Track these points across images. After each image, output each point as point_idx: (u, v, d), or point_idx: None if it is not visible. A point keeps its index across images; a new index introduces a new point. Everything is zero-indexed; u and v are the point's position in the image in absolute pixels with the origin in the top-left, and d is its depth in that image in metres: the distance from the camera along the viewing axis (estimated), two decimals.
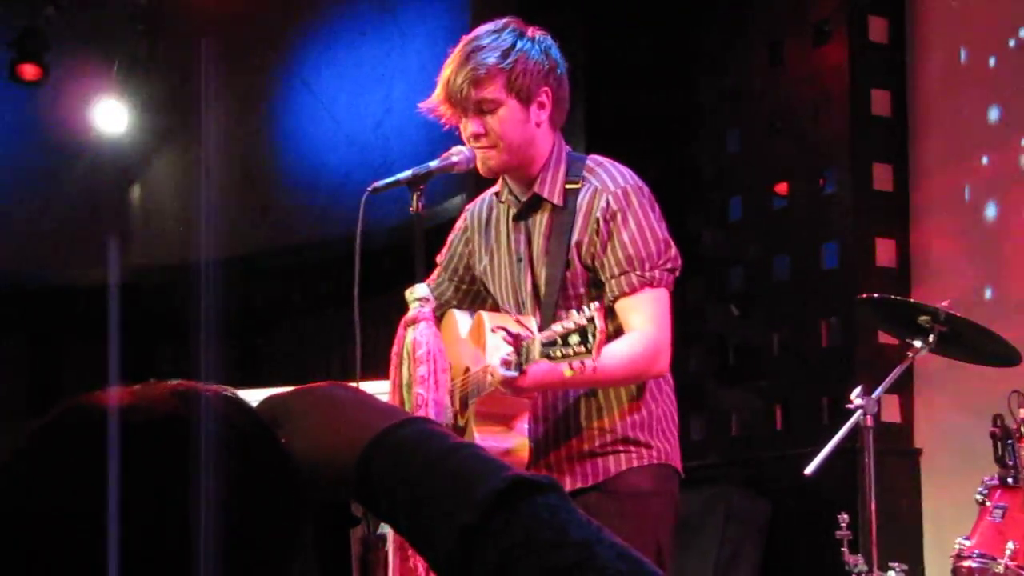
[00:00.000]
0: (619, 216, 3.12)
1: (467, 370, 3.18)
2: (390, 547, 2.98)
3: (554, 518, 0.94)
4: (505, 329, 2.87)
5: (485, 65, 3.10)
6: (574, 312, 2.79)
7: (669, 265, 3.15)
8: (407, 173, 3.14)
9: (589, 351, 2.71)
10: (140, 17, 7.61)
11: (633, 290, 3.11)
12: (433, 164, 3.16)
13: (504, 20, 3.19)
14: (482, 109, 3.13)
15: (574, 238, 3.16)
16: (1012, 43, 5.67)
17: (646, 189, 3.20)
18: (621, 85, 6.50)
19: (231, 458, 0.97)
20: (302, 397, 1.08)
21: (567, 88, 3.24)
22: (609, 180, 3.17)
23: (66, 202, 8.14)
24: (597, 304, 2.78)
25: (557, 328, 2.78)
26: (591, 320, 2.72)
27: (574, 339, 2.73)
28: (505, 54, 3.12)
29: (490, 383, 2.95)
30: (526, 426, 3.10)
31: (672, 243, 3.18)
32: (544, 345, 2.78)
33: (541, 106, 3.17)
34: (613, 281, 3.13)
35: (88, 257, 8.16)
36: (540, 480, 0.97)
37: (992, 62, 5.75)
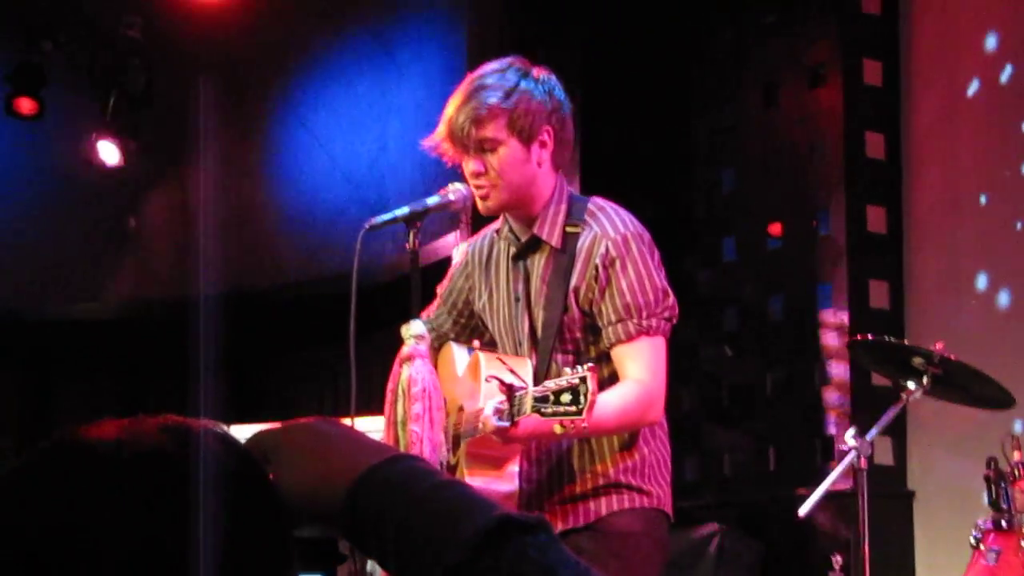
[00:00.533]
0: (618, 263, 3.12)
1: (461, 409, 3.17)
2: None
3: (543, 558, 0.94)
4: (498, 379, 2.89)
5: (487, 105, 3.11)
6: (567, 370, 2.83)
7: (666, 314, 3.15)
8: (404, 210, 3.14)
9: (580, 412, 2.75)
10: (137, 53, 7.63)
11: (630, 338, 3.11)
12: (430, 201, 3.16)
13: (509, 59, 3.20)
14: (483, 148, 3.13)
15: (572, 283, 3.16)
16: (1002, 79, 5.70)
17: (646, 236, 3.19)
18: (616, 124, 6.52)
19: (219, 494, 0.97)
20: (291, 433, 1.07)
21: (570, 129, 3.24)
22: (609, 226, 3.17)
23: (62, 236, 8.14)
24: (590, 364, 2.81)
25: (550, 384, 2.81)
26: (583, 380, 2.75)
27: (566, 398, 2.77)
28: (508, 94, 3.12)
29: (481, 430, 2.95)
30: (516, 469, 3.09)
31: (670, 291, 3.17)
32: (536, 400, 2.81)
33: (543, 145, 3.17)
34: (610, 328, 3.12)
35: (83, 291, 8.15)
36: (529, 519, 0.96)
37: (983, 104, 5.77)
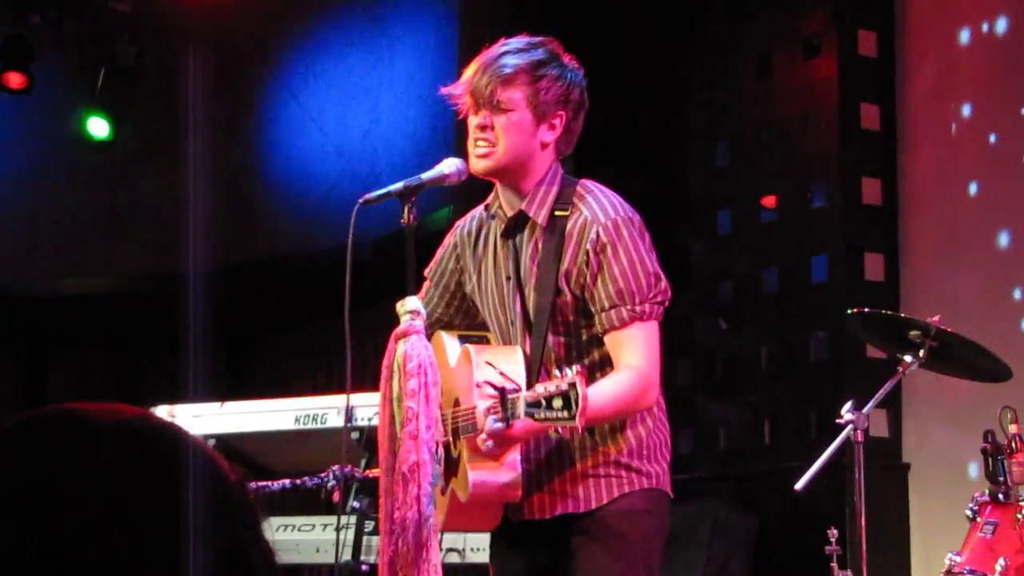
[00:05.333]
0: (609, 249, 3.13)
1: (457, 402, 3.17)
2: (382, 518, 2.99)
3: None
4: (491, 384, 2.93)
5: (515, 66, 3.15)
6: (557, 372, 2.87)
7: (659, 298, 3.16)
8: (399, 185, 3.13)
9: (573, 417, 2.79)
10: (127, 26, 7.58)
11: (623, 324, 3.12)
12: (425, 176, 3.15)
13: (542, 39, 3.25)
14: (497, 107, 3.15)
15: (564, 266, 3.17)
16: (998, 44, 5.68)
17: (636, 219, 3.20)
18: (611, 97, 6.47)
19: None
20: None
21: (580, 124, 3.29)
22: (599, 210, 3.17)
23: (51, 211, 8.10)
24: (578, 368, 2.84)
25: (540, 389, 2.85)
26: (573, 386, 2.79)
27: (557, 403, 2.81)
28: (538, 66, 3.17)
29: (479, 430, 2.98)
30: (518, 457, 3.11)
31: (662, 275, 3.19)
32: (529, 405, 2.85)
33: (551, 127, 3.20)
34: (603, 314, 3.13)
35: (72, 266, 8.12)
36: None
37: (978, 74, 5.75)
